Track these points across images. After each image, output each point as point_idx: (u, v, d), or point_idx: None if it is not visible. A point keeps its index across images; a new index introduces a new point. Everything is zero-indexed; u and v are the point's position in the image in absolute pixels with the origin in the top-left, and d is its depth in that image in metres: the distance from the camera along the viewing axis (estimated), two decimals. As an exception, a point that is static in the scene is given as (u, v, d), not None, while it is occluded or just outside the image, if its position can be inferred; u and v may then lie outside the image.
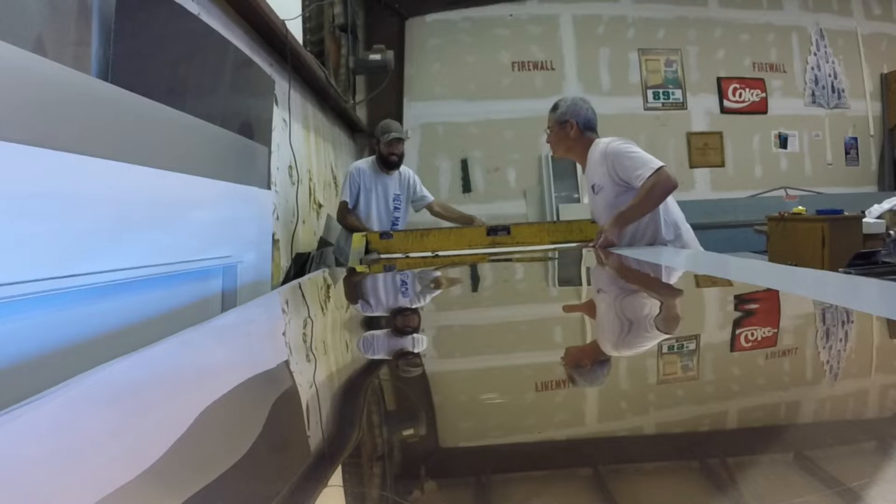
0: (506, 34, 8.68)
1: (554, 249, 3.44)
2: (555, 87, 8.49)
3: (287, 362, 1.18)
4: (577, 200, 8.16)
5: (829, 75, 9.41)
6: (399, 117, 8.12)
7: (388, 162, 4.67)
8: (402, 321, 1.59)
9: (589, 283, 2.24)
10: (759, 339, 1.16)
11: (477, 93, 8.53)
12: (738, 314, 1.47)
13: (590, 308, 1.67)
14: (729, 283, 1.87)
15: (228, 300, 2.51)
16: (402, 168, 4.80)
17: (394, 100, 8.11)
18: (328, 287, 2.46)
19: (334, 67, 5.98)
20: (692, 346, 1.13)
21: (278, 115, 4.00)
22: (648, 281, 2.08)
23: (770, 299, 1.54)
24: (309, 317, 1.82)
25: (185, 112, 2.24)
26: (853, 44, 9.47)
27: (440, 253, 3.49)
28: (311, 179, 4.95)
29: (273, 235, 3.68)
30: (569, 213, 7.87)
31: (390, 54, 5.98)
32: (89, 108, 1.73)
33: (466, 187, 8.48)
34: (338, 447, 0.71)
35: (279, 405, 0.86)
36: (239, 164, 2.71)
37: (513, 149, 8.54)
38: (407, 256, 3.51)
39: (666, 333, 1.23)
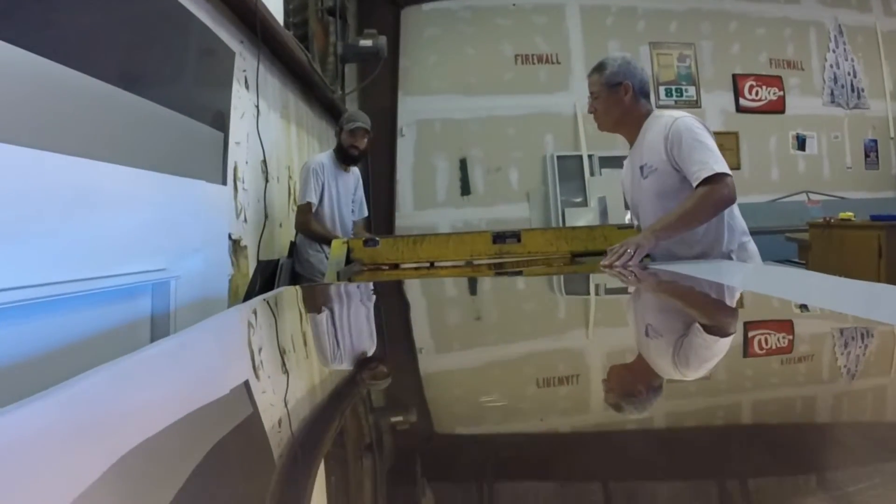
0: (508, 25, 8.23)
1: (573, 261, 2.86)
2: (560, 81, 8.09)
3: (207, 424, 0.85)
4: (584, 204, 7.65)
5: (849, 73, 9.05)
6: (393, 113, 7.68)
7: (348, 155, 4.08)
8: (376, 395, 1.03)
9: (638, 325, 1.63)
10: None
11: (477, 87, 8.07)
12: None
13: (643, 371, 1.10)
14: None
15: (160, 326, 1.93)
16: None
17: (387, 94, 7.67)
18: (282, 313, 1.86)
19: (321, 54, 5.41)
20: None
21: (249, 100, 3.42)
22: (725, 318, 1.49)
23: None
24: (233, 363, 1.24)
25: (94, 76, 1.66)
26: (873, 41, 9.12)
27: (437, 263, 2.91)
28: (290, 177, 4.37)
29: (238, 241, 3.11)
30: (575, 217, 7.41)
31: (383, 40, 5.40)
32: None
33: (465, 189, 8.03)
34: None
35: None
36: (180, 152, 2.13)
37: (515, 147, 8.08)
38: (397, 267, 2.93)
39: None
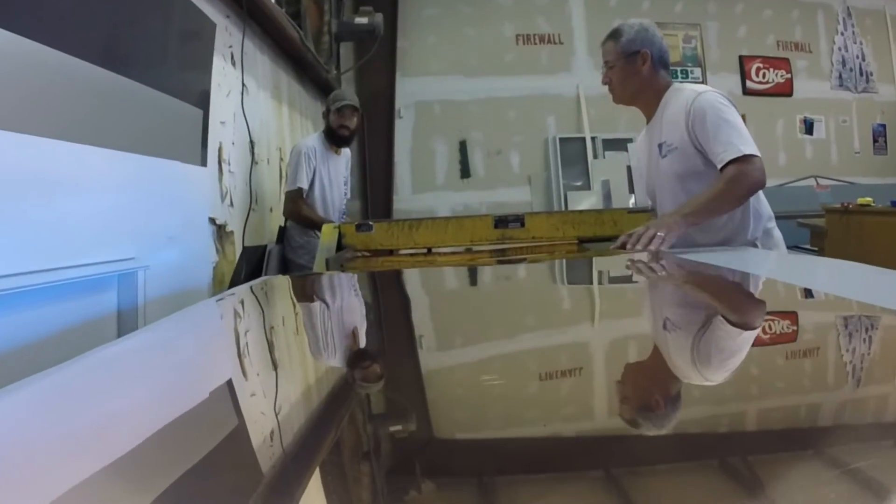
0: (509, 4, 7.96)
1: (581, 247, 2.68)
2: (563, 62, 7.84)
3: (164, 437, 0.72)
4: (587, 188, 7.46)
5: (857, 57, 8.85)
6: (391, 94, 7.47)
7: (338, 136, 3.87)
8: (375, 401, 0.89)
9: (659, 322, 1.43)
10: None
11: (477, 68, 7.79)
12: None
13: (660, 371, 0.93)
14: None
15: (127, 322, 1.74)
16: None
17: (385, 75, 7.39)
18: (258, 307, 1.67)
19: (315, 32, 5.21)
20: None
21: (236, 78, 3.23)
22: (780, 320, 1.30)
23: None
24: (210, 358, 1.07)
25: (40, 42, 1.47)
26: (881, 24, 8.90)
27: (435, 249, 2.73)
28: (282, 159, 4.18)
29: (224, 226, 2.92)
30: (578, 201, 7.23)
31: (379, 17, 5.18)
32: None
33: (465, 172, 7.79)
34: None
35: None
36: (151, 129, 1.94)
37: (516, 130, 7.83)
38: (392, 254, 2.74)
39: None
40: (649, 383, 0.87)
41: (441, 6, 7.87)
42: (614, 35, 2.33)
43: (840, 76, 8.74)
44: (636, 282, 1.91)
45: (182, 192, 2.11)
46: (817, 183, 8.09)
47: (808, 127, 8.59)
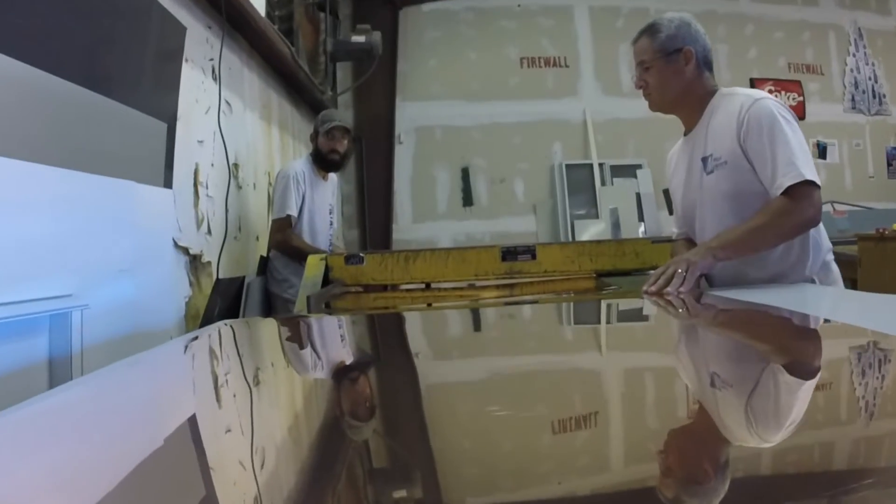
0: (513, 27, 7.74)
1: (599, 282, 2.38)
2: (569, 86, 7.60)
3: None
4: (595, 216, 7.18)
5: (869, 78, 8.70)
6: (391, 119, 7.23)
7: (328, 161, 3.59)
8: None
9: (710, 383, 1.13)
10: None
11: (480, 92, 7.55)
12: None
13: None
14: None
15: (60, 371, 1.44)
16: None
17: (384, 99, 7.16)
18: (194, 365, 1.37)
19: (310, 52, 4.97)
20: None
21: (216, 92, 2.95)
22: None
23: None
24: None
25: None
26: (893, 44, 8.69)
27: (434, 284, 2.44)
28: (270, 184, 3.90)
29: (199, 257, 2.63)
30: (585, 230, 6.96)
31: (377, 36, 4.94)
32: None
33: (467, 200, 7.51)
34: None
35: None
36: (100, 143, 1.65)
37: (521, 156, 7.56)
38: (386, 290, 2.45)
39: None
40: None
41: (443, 28, 7.66)
42: (650, 30, 2.00)
43: (853, 98, 8.55)
44: (680, 328, 1.61)
45: (139, 218, 1.82)
46: (834, 209, 7.84)
47: (822, 151, 8.36)
